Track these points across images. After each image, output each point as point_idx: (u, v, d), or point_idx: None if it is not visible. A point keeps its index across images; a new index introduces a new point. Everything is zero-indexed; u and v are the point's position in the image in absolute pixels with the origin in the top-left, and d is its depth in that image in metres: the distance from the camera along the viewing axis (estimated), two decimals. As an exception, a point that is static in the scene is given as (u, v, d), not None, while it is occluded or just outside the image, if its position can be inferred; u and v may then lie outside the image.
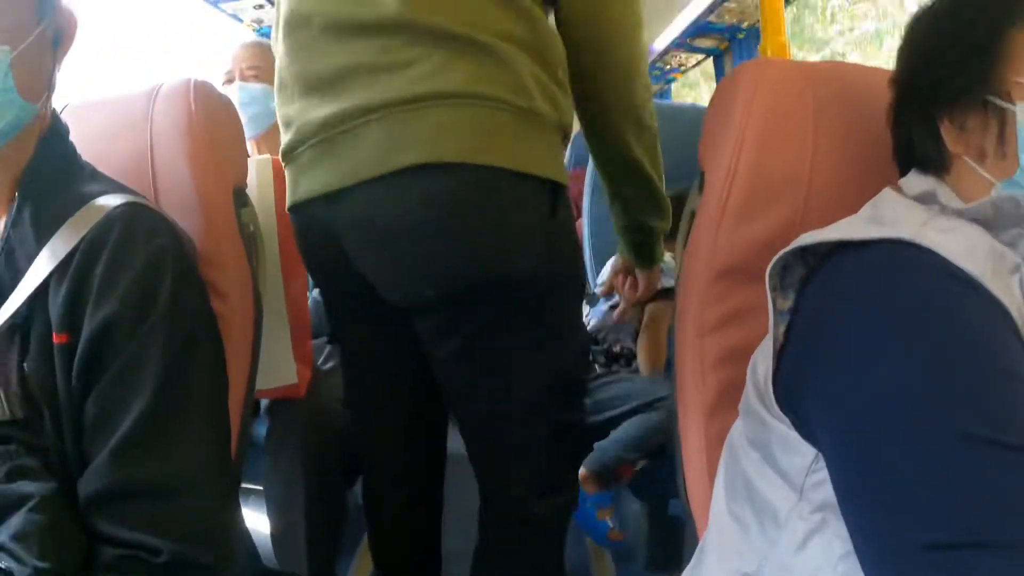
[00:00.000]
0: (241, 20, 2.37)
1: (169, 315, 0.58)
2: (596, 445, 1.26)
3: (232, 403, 0.69)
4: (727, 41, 2.68)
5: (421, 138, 0.71)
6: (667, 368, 1.23)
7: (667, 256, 1.25)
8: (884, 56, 2.93)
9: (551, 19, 0.83)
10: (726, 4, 2.22)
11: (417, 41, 0.71)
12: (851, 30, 3.41)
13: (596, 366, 1.48)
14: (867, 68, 0.74)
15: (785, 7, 1.58)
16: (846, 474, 0.43)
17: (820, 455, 0.47)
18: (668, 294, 1.08)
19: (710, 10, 2.29)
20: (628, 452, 1.23)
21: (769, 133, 0.65)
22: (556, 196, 0.80)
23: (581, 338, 1.03)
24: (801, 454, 0.48)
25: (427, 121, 0.71)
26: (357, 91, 0.73)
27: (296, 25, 0.78)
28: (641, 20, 0.84)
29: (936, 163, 0.53)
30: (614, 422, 1.27)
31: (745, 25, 2.45)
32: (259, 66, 1.27)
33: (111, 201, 0.61)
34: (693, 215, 0.71)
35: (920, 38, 0.55)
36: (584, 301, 1.47)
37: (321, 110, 0.75)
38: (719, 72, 2.95)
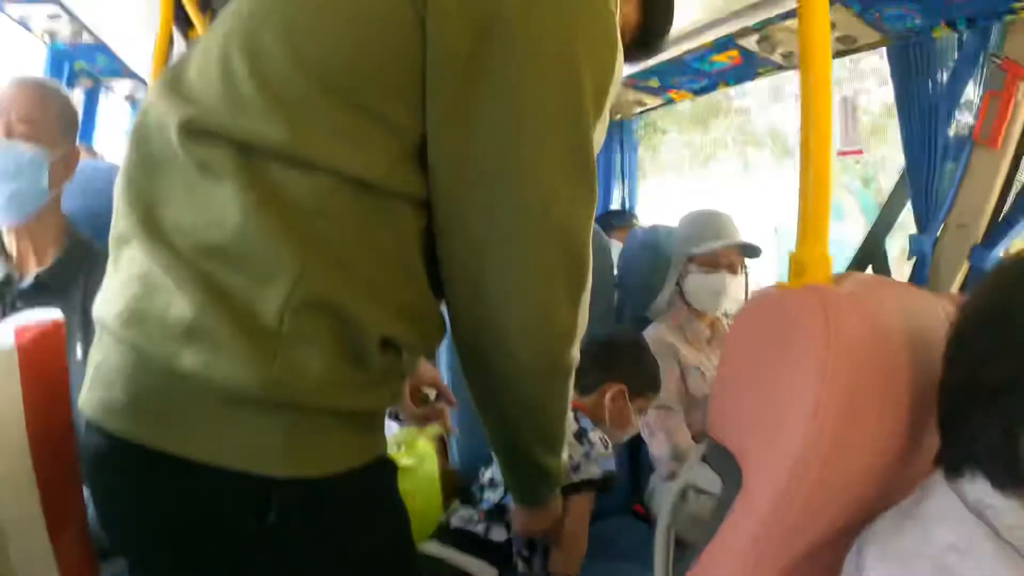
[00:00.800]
0: (30, 28, 2.17)
1: None
2: None
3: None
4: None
5: None
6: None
7: (595, 436, 1.10)
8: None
9: None
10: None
11: None
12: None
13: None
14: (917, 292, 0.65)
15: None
16: None
17: None
18: (591, 486, 1.01)
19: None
20: None
21: (853, 410, 0.48)
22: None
23: None
24: None
25: None
26: None
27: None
28: (576, 328, 0.63)
29: (1012, 476, 0.46)
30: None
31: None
32: (34, 118, 1.03)
33: None
34: (686, 495, 0.57)
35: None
36: None
37: None
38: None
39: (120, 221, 0.57)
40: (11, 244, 1.08)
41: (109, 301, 0.56)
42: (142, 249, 0.53)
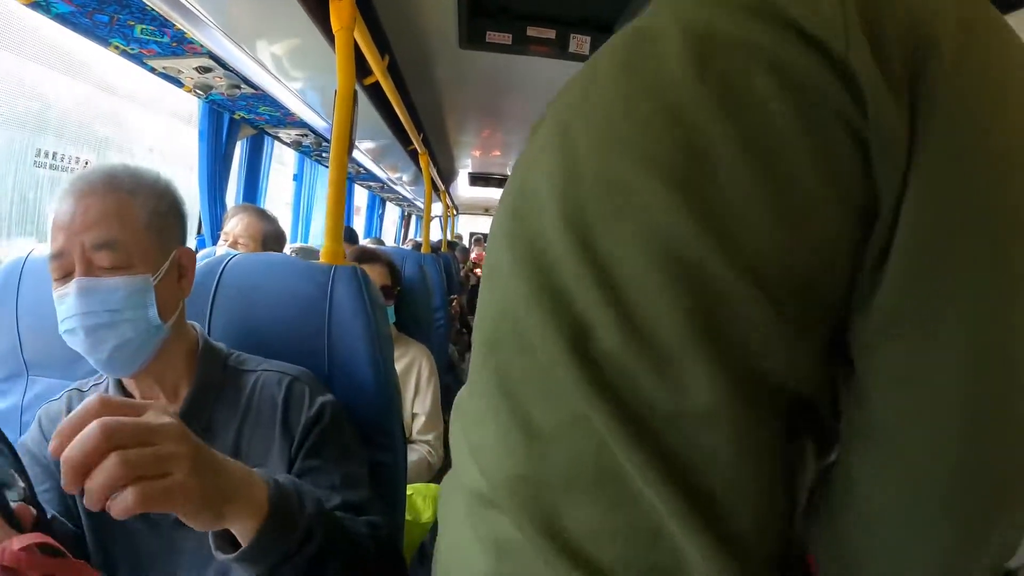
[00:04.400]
0: (181, 84, 1.68)
1: None
2: None
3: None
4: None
5: None
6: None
7: None
8: None
9: None
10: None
11: None
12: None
13: None
14: None
15: None
16: None
17: None
18: None
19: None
20: None
21: None
22: None
23: None
24: None
25: None
26: None
27: None
28: None
29: None
30: None
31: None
32: (115, 237, 0.78)
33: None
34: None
35: None
36: None
37: None
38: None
39: None
40: (132, 387, 0.85)
41: None
42: None
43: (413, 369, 1.80)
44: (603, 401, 0.41)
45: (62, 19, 1.26)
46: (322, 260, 1.05)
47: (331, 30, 1.11)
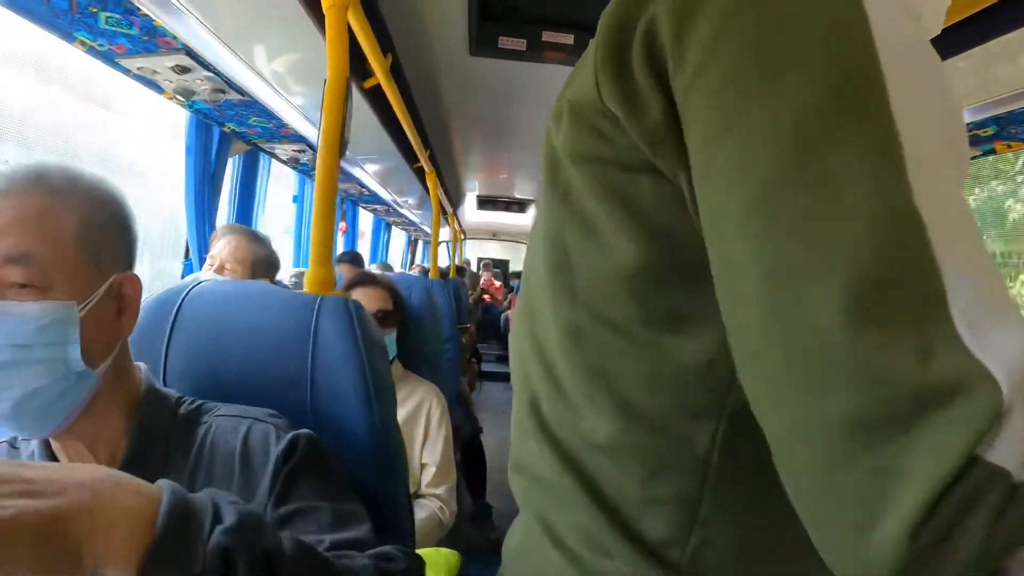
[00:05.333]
0: (161, 89, 1.50)
1: None
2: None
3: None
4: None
5: None
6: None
7: None
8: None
9: None
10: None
11: None
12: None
13: None
14: None
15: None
16: None
17: None
18: None
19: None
20: None
21: None
22: None
23: None
24: None
25: None
26: None
27: None
28: None
29: None
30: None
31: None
32: (30, 250, 0.60)
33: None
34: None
35: None
36: None
37: None
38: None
39: None
40: (57, 450, 0.67)
41: None
42: None
43: (422, 413, 1.58)
44: None
45: (14, 6, 1.07)
46: (306, 289, 0.84)
47: (323, 17, 0.92)
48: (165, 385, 0.80)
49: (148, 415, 0.69)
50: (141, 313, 0.69)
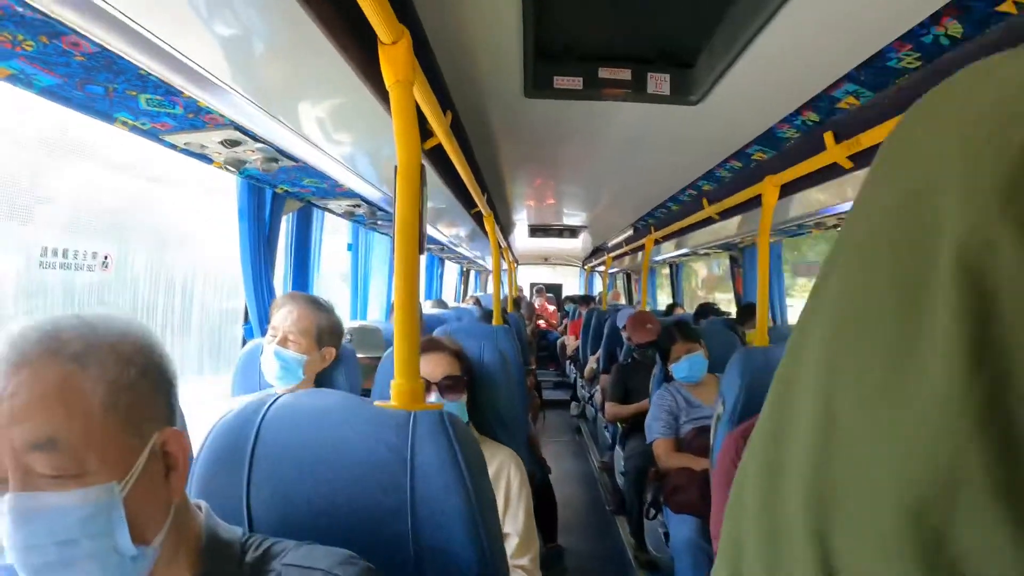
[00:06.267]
0: (210, 160, 1.45)
1: None
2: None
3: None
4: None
5: None
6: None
7: None
8: None
9: None
10: None
11: None
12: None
13: None
14: None
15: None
16: None
17: None
18: None
19: None
20: None
21: None
22: None
23: None
24: None
25: None
26: None
27: None
28: None
29: None
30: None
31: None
32: (56, 419, 0.54)
33: None
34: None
35: None
36: None
37: None
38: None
39: None
40: None
41: None
42: None
43: (501, 480, 1.47)
44: None
45: (50, 94, 1.03)
46: (395, 402, 0.75)
47: (382, 86, 0.84)
48: (250, 518, 0.74)
49: (212, 563, 0.62)
50: (214, 439, 0.62)
